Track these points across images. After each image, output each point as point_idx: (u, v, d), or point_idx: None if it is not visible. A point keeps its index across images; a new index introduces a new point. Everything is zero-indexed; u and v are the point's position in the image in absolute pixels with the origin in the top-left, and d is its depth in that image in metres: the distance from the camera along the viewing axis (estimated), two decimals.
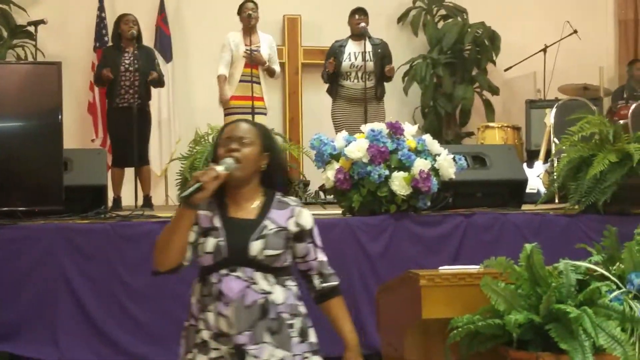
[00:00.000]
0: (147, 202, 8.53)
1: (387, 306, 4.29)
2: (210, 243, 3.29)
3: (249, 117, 8.60)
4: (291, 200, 3.46)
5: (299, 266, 3.44)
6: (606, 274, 3.61)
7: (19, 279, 5.56)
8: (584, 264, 3.64)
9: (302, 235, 3.39)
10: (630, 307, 3.47)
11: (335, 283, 3.45)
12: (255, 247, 3.27)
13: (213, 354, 3.27)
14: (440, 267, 3.92)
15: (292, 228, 3.37)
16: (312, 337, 3.40)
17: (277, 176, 3.48)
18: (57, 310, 5.60)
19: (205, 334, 3.29)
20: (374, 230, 5.94)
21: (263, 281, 3.28)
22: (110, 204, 8.36)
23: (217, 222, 3.31)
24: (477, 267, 3.84)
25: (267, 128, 3.57)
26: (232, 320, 3.23)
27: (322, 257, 3.45)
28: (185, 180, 5.85)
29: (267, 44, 9.02)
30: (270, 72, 9.08)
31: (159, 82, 8.77)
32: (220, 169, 3.24)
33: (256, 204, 3.38)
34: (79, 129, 10.44)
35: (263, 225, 3.32)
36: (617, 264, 3.69)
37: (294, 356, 3.29)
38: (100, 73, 8.50)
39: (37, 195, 5.83)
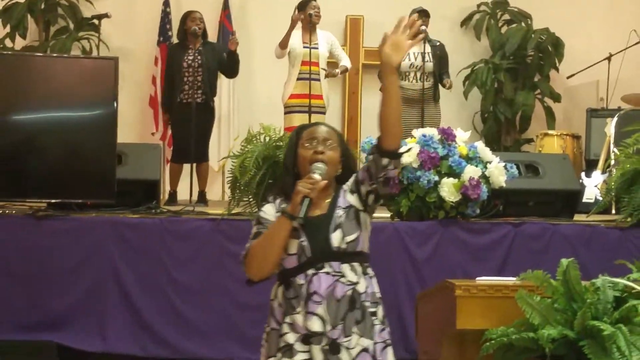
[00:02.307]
0: (202, 198, 8.60)
1: (425, 314, 4.30)
2: (293, 244, 3.33)
3: (307, 115, 8.66)
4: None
5: (365, 171, 3.40)
6: None
7: (69, 271, 5.68)
8: (622, 281, 3.60)
9: (355, 183, 3.41)
10: None
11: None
12: (336, 237, 3.32)
13: (299, 357, 3.27)
14: (477, 278, 3.91)
15: (351, 197, 3.41)
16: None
17: (348, 177, 3.50)
18: (105, 303, 5.72)
19: (290, 337, 3.30)
20: (421, 236, 5.95)
21: (350, 272, 3.32)
22: (166, 197, 8.52)
23: (295, 223, 3.32)
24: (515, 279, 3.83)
25: (342, 133, 3.61)
26: (325, 317, 3.26)
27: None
28: (235, 179, 5.88)
29: (325, 41, 9.03)
30: (344, 72, 9.19)
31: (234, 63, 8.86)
32: (317, 177, 3.29)
33: (327, 200, 3.41)
34: (140, 122, 10.58)
35: (336, 216, 3.36)
36: None
37: (376, 344, 3.33)
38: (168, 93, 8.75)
39: (91, 187, 5.94)
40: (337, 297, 3.27)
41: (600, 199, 8.10)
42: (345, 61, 9.19)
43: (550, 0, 11.37)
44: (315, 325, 3.25)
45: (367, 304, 3.33)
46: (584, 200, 8.39)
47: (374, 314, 3.35)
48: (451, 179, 5.88)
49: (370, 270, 3.42)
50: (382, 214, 6.41)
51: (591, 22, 11.38)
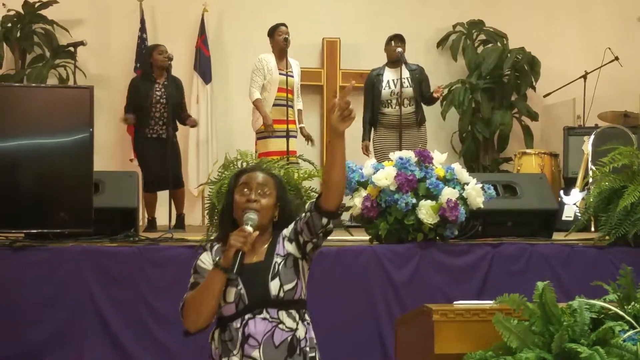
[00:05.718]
0: (180, 222, 8.59)
1: (404, 339, 4.28)
2: (231, 292, 3.30)
3: (284, 140, 8.64)
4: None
5: (304, 223, 3.39)
6: (621, 313, 3.57)
7: (47, 301, 5.63)
8: (598, 303, 3.60)
9: (294, 231, 3.41)
10: None
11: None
12: (274, 286, 3.31)
13: None
14: (455, 302, 3.90)
15: (290, 245, 3.41)
16: None
17: (285, 223, 3.49)
18: (83, 332, 5.66)
19: None
20: (401, 259, 5.93)
21: (288, 319, 3.32)
22: (145, 223, 8.49)
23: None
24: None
25: (281, 178, 3.62)
26: None
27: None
28: (213, 206, 5.86)
29: (296, 71, 9.06)
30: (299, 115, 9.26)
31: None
32: (249, 229, 3.26)
33: (265, 246, 3.42)
34: (118, 149, 10.57)
35: (274, 263, 3.36)
36: (633, 303, 3.64)
37: None
38: (127, 114, 8.83)
39: (68, 217, 5.88)
40: (275, 343, 3.27)
41: (580, 216, 8.14)
42: (300, 102, 9.25)
43: (526, 20, 11.47)
44: None
45: (307, 349, 3.35)
46: (563, 218, 8.45)
47: (313, 359, 3.37)
48: (429, 201, 5.88)
49: (307, 317, 3.42)
50: (361, 236, 6.41)
51: (566, 40, 11.49)
